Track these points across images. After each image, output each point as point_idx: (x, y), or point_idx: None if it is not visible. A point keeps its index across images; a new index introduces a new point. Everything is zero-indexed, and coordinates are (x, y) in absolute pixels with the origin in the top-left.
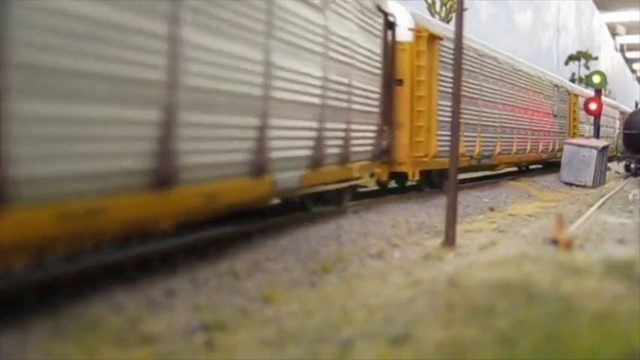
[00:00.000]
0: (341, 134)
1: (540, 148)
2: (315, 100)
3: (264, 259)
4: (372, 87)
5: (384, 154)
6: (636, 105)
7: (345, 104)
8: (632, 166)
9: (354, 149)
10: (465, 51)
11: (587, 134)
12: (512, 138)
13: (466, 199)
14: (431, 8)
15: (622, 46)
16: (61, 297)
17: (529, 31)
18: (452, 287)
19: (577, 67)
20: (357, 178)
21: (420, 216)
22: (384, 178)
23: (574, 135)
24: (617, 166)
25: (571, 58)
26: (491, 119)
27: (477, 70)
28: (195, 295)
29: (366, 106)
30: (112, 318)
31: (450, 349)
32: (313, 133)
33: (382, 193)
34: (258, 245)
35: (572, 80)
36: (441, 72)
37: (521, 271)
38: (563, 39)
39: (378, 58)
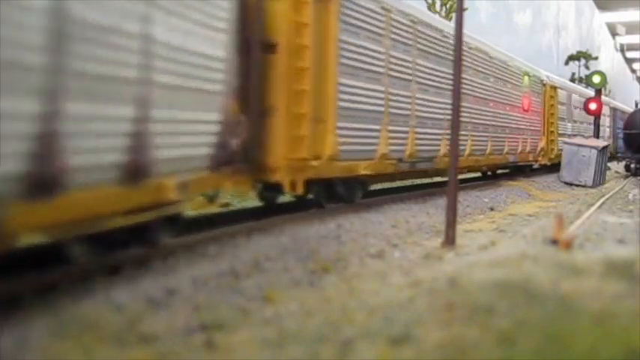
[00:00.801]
0: (121, 127)
1: (506, 149)
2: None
3: (264, 259)
4: (206, 48)
5: (238, 156)
6: (636, 105)
7: (128, 71)
8: (632, 165)
9: (163, 153)
10: (390, 15)
11: (569, 133)
12: (467, 136)
13: (466, 198)
14: (430, 8)
15: (622, 45)
16: (60, 296)
17: (529, 31)
18: (452, 287)
19: (577, 67)
20: (177, 202)
21: (419, 216)
22: (249, 191)
23: (549, 135)
24: (617, 166)
25: (571, 57)
26: (433, 110)
27: (410, 42)
28: (195, 294)
29: (190, 80)
30: (112, 317)
31: (449, 349)
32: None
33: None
34: (258, 245)
35: (572, 80)
36: (343, 37)
37: (521, 271)
38: (563, 39)
39: (223, 4)
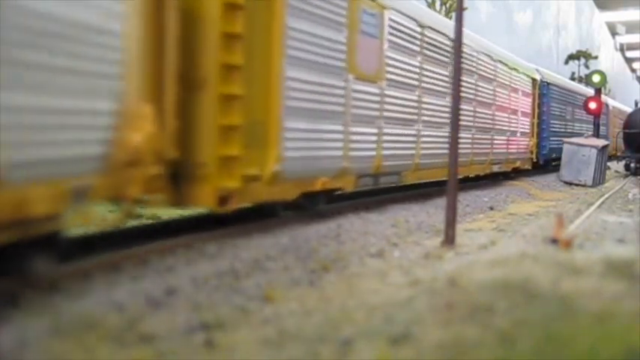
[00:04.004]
0: None
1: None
2: None
3: (264, 258)
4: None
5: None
6: (636, 104)
7: None
8: (632, 165)
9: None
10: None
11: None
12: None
13: (466, 198)
14: (430, 7)
15: (622, 45)
16: (60, 295)
17: (529, 31)
18: (452, 286)
19: (577, 67)
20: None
21: (419, 215)
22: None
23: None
24: (617, 165)
25: (571, 57)
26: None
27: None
28: (195, 294)
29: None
30: (112, 317)
31: (449, 348)
32: None
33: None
34: (258, 244)
35: (572, 79)
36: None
37: (521, 271)
38: (563, 38)
39: None
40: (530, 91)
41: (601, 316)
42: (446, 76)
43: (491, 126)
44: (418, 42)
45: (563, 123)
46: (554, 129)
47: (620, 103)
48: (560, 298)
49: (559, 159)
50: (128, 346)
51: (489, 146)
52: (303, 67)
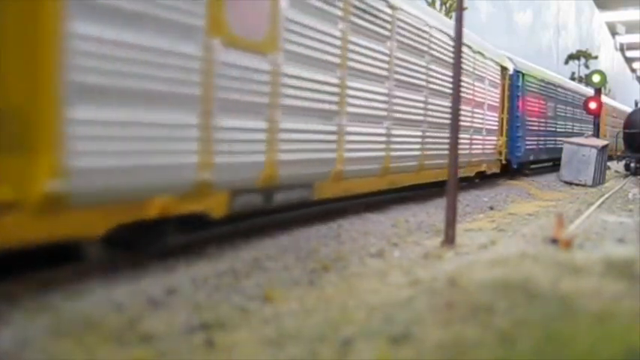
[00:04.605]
0: None
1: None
2: None
3: (264, 258)
4: None
5: None
6: (636, 104)
7: None
8: (632, 165)
9: None
10: None
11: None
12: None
13: (466, 198)
14: (430, 7)
15: (622, 45)
16: (60, 295)
17: (529, 31)
18: (452, 286)
19: (577, 67)
20: None
21: (419, 215)
22: None
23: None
24: (617, 165)
25: (571, 57)
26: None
27: None
28: (195, 293)
29: None
30: (112, 316)
31: (449, 348)
32: None
33: None
34: (258, 244)
35: (572, 79)
36: None
37: (521, 271)
38: (563, 38)
39: None
40: (498, 81)
41: (601, 316)
42: (385, 54)
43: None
44: (341, 3)
45: (544, 121)
46: (532, 127)
47: (609, 99)
48: (560, 297)
49: (539, 162)
50: (128, 346)
51: (447, 146)
52: (108, 20)
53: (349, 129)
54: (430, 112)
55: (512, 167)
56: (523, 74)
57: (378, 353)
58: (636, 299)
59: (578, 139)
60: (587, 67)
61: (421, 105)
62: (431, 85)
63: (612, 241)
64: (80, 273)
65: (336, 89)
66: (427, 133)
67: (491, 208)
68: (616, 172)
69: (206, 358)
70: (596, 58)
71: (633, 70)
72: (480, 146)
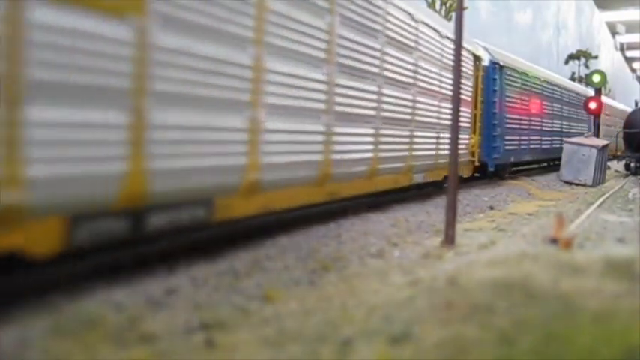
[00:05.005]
0: None
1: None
2: None
3: (264, 258)
4: None
5: None
6: (636, 104)
7: None
8: (632, 165)
9: None
10: None
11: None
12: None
13: (466, 197)
14: (430, 7)
15: (622, 44)
16: (61, 295)
17: (529, 30)
18: (451, 286)
19: (577, 66)
20: None
21: (419, 215)
22: None
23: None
24: (617, 165)
25: (571, 57)
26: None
27: None
28: (195, 293)
29: None
30: (112, 316)
31: (449, 347)
32: None
33: None
34: (258, 244)
35: (572, 79)
36: None
37: (521, 270)
38: (562, 38)
39: None
40: (470, 72)
41: (601, 316)
42: (321, 30)
43: (410, 117)
44: None
45: (528, 119)
46: (513, 126)
47: (604, 97)
48: (560, 297)
49: (522, 164)
50: (128, 346)
51: (408, 146)
52: None
53: (269, 125)
54: (386, 106)
55: (489, 170)
56: (501, 66)
57: (378, 353)
58: (636, 299)
59: (578, 138)
60: (587, 66)
61: (374, 97)
62: (387, 73)
63: (612, 240)
64: (80, 272)
65: (248, 71)
66: (381, 132)
67: (491, 208)
68: (616, 172)
69: (206, 358)
70: (596, 57)
71: (633, 70)
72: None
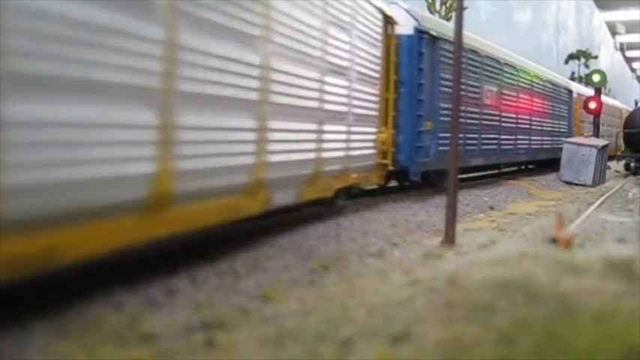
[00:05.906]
0: None
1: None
2: None
3: (264, 258)
4: None
5: None
6: (636, 104)
7: None
8: (632, 164)
9: None
10: None
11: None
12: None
13: (466, 197)
14: (430, 7)
15: (622, 44)
16: (61, 296)
17: (529, 30)
18: (451, 286)
19: (577, 66)
20: None
21: (419, 215)
22: None
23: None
24: (617, 165)
25: (571, 57)
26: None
27: None
28: (195, 293)
29: None
30: (112, 317)
31: (449, 347)
32: None
33: None
34: (258, 244)
35: (572, 79)
36: None
37: (521, 270)
38: (562, 37)
39: None
40: (378, 39)
41: (601, 315)
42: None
43: (257, 97)
44: None
45: (478, 112)
46: (447, 118)
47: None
48: (560, 297)
49: (468, 169)
50: (128, 346)
51: (254, 149)
52: None
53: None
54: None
55: (412, 177)
56: (434, 38)
57: (378, 353)
58: (636, 299)
59: (579, 138)
60: (587, 66)
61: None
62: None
63: (612, 240)
64: (81, 272)
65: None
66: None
67: (492, 208)
68: (616, 172)
69: (206, 358)
70: (596, 57)
71: (633, 70)
72: (341, 144)
